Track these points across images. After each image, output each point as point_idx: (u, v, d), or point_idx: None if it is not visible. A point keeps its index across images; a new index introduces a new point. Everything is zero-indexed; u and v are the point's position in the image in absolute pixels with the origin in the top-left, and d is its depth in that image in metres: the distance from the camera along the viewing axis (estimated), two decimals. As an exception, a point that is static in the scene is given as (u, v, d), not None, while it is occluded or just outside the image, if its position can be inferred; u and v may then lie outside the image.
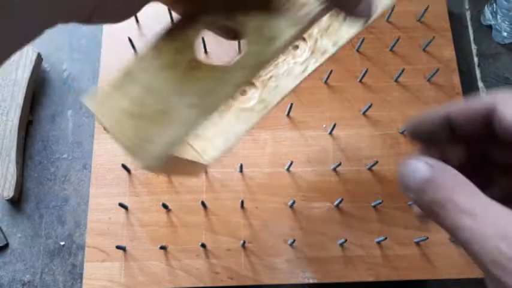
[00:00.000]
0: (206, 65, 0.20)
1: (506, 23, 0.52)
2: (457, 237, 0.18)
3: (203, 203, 0.44)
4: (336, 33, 0.34)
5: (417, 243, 0.44)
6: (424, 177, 0.20)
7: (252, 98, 0.33)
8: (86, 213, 0.44)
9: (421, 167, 0.20)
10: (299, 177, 0.46)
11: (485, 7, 0.55)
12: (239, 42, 0.49)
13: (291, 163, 0.45)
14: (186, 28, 0.21)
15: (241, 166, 0.45)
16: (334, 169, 0.46)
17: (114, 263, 0.42)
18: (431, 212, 0.19)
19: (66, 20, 0.19)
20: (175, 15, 0.51)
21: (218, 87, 0.20)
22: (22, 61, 0.49)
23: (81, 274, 0.43)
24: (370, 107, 0.47)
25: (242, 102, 0.33)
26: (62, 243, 0.46)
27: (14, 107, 0.48)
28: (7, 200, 0.46)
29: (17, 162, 0.47)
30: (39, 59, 0.50)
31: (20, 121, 0.48)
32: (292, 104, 0.46)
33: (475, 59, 0.54)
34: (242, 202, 0.44)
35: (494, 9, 0.53)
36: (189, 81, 0.20)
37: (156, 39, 0.21)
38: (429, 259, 0.44)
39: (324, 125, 0.48)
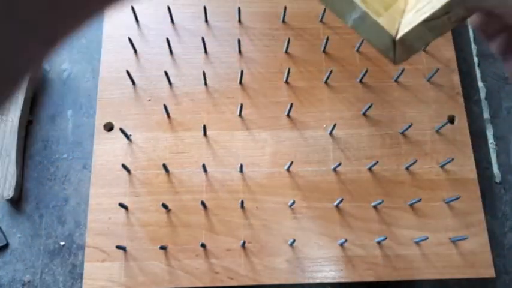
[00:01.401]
0: None
1: (506, 23, 0.52)
2: None
3: (203, 203, 0.44)
4: None
5: (417, 243, 0.44)
6: None
7: None
8: (86, 213, 0.44)
9: None
10: (299, 177, 0.46)
11: (485, 7, 0.55)
12: (239, 43, 0.49)
13: (291, 163, 0.45)
14: None
15: (241, 166, 0.45)
16: (334, 169, 0.46)
17: (114, 263, 0.42)
18: None
19: None
20: (175, 17, 0.51)
21: None
22: (22, 61, 0.49)
23: (81, 274, 0.43)
24: (370, 107, 0.47)
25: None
26: (62, 243, 0.46)
27: (14, 107, 0.48)
28: (7, 200, 0.46)
29: (17, 162, 0.47)
30: (39, 59, 0.50)
31: (20, 121, 0.48)
32: (292, 104, 0.46)
33: (475, 59, 0.54)
34: (242, 202, 0.44)
35: (494, 9, 0.53)
36: None
37: None
38: (429, 259, 0.44)
39: (324, 125, 0.48)
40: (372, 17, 0.24)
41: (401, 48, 0.24)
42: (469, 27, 0.56)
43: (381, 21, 0.24)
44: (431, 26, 0.23)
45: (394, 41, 0.24)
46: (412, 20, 0.24)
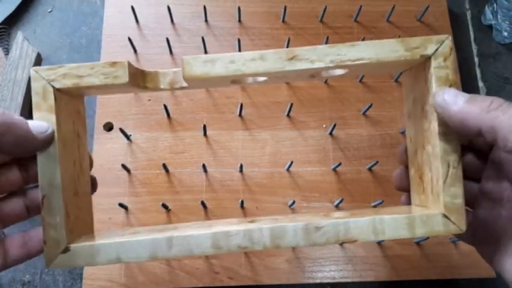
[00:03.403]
0: None
1: (507, 22, 0.52)
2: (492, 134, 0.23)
3: (203, 203, 0.44)
4: None
5: (417, 243, 0.44)
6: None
7: None
8: (86, 213, 0.44)
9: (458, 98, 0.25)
10: (299, 177, 0.46)
11: (486, 7, 0.55)
12: (239, 43, 0.49)
13: (291, 163, 0.45)
14: None
15: (241, 166, 0.45)
16: (334, 169, 0.46)
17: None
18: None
19: None
20: (175, 16, 0.51)
21: None
22: (22, 61, 0.49)
23: (81, 274, 0.43)
24: (370, 107, 0.47)
25: None
26: (62, 243, 0.45)
27: (14, 107, 0.48)
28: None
29: (17, 162, 0.47)
30: (39, 59, 0.50)
31: (20, 121, 0.48)
32: (292, 104, 0.46)
33: (475, 59, 0.54)
34: (242, 202, 0.44)
35: (495, 9, 0.53)
36: None
37: None
38: (429, 259, 0.44)
39: (324, 125, 0.48)
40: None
41: (453, 214, 0.26)
42: (469, 27, 0.56)
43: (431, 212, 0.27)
44: (452, 177, 0.26)
45: (444, 215, 0.26)
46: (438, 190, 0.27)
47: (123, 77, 0.26)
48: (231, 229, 0.26)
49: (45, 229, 0.26)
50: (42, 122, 0.26)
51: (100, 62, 0.27)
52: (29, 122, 0.26)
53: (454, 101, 0.25)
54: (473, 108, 0.24)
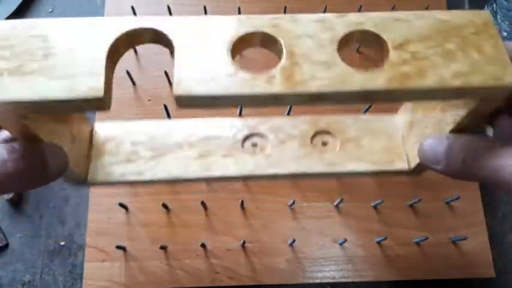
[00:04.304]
0: None
1: (506, 23, 0.53)
2: (498, 178, 0.21)
3: (203, 203, 0.44)
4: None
5: (417, 243, 0.44)
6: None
7: None
8: (86, 213, 0.44)
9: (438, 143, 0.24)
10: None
11: (485, 7, 0.55)
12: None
13: (291, 163, 0.45)
14: None
15: (241, 166, 0.45)
16: (334, 169, 0.46)
17: (114, 263, 0.42)
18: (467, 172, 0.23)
19: None
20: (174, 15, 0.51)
21: None
22: (22, 61, 0.49)
23: (81, 274, 0.43)
24: (370, 107, 0.47)
25: None
26: (62, 243, 0.45)
27: (14, 107, 0.48)
28: (7, 200, 0.46)
29: (17, 162, 0.47)
30: (39, 59, 0.50)
31: (20, 121, 0.48)
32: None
33: (475, 59, 0.54)
34: (242, 202, 0.44)
35: (494, 9, 0.53)
36: None
37: None
38: (429, 259, 0.44)
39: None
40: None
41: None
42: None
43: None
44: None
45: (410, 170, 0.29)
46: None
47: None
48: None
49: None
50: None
51: None
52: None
53: (435, 161, 0.24)
54: (454, 165, 0.23)
